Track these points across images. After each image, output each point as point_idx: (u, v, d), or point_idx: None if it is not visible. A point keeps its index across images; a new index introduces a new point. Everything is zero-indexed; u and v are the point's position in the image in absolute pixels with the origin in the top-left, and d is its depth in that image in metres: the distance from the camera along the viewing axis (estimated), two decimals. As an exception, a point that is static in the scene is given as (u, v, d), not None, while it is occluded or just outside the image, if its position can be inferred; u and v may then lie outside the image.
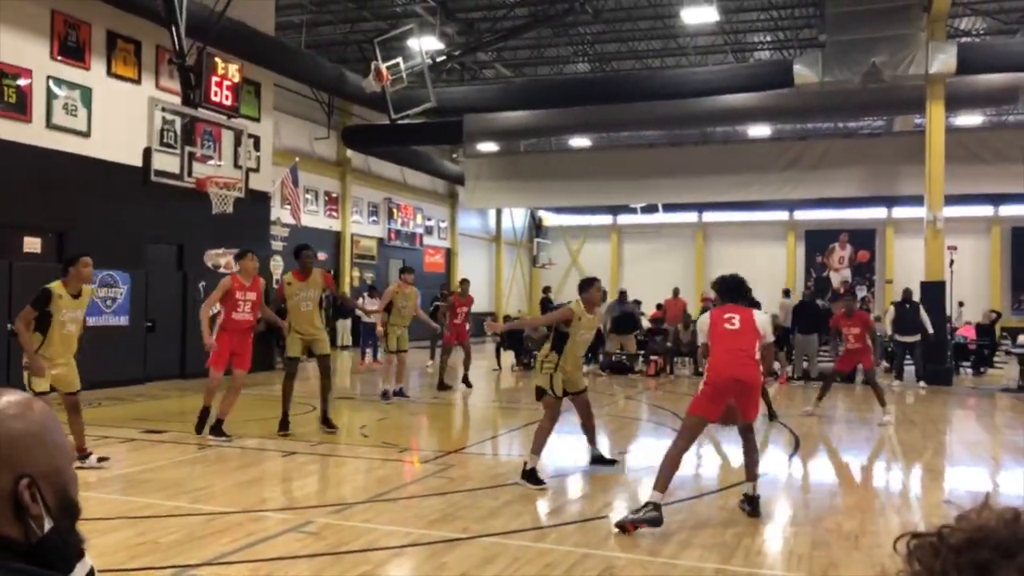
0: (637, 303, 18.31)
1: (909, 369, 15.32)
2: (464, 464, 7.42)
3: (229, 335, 8.31)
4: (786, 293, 19.46)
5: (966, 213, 25.32)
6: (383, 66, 15.07)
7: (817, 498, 6.36)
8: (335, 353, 20.23)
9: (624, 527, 5.11)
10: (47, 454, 1.16)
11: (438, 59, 17.74)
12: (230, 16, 12.51)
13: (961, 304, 20.83)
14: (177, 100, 12.34)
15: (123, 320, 12.95)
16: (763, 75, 17.56)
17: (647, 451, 8.48)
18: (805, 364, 15.69)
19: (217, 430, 8.14)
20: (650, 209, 30.20)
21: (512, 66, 23.17)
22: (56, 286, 6.55)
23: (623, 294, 17.69)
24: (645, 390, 14.36)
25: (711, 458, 8.39)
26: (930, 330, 14.32)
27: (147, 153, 12.02)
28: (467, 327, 14.56)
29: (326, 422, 8.86)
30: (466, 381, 13.55)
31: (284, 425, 8.54)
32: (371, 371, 16.71)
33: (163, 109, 12.23)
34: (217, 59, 11.82)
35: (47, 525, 1.15)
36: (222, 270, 15.10)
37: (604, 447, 7.82)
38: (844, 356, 11.01)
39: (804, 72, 15.99)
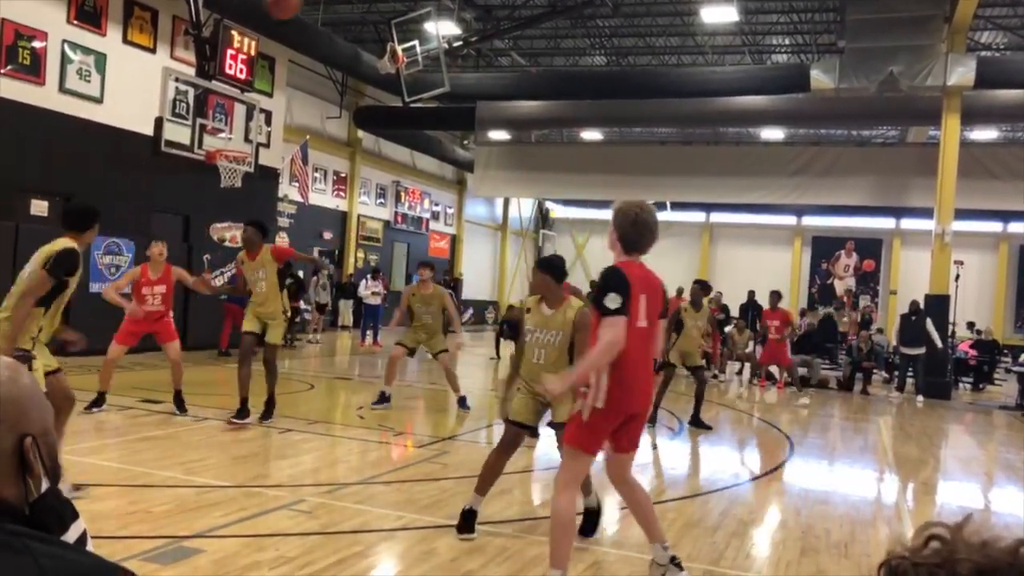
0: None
1: (910, 381, 15.31)
2: (458, 451, 7.43)
3: (138, 322, 7.97)
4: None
5: (975, 228, 25.27)
6: (399, 48, 15.03)
7: (808, 505, 6.36)
8: (337, 334, 20.26)
9: None
10: (40, 415, 1.18)
11: (454, 44, 17.67)
12: (248, -11, 12.47)
13: None
14: (191, 71, 12.33)
15: (126, 288, 12.95)
16: (779, 78, 17.49)
17: (640, 448, 8.49)
18: (805, 371, 15.68)
19: (180, 404, 8.02)
20: (658, 206, 30.05)
21: (528, 55, 23.08)
22: None
23: None
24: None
25: (702, 460, 8.40)
26: (939, 344, 14.31)
27: (158, 123, 12.02)
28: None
29: (267, 410, 8.03)
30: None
31: (240, 413, 7.79)
32: (371, 352, 16.74)
33: (177, 79, 12.22)
34: (233, 32, 11.80)
35: (44, 485, 1.16)
36: (227, 244, 15.13)
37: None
38: (766, 348, 13.72)
39: (821, 77, 15.93)
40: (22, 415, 1.15)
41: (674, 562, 4.21)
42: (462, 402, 9.79)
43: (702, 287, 10.34)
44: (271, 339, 8.06)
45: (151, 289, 8.02)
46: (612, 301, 3.69)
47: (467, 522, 4.87)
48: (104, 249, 12.64)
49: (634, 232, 3.88)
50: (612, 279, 3.76)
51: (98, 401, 7.98)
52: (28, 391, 1.18)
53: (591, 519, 5.05)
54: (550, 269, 4.89)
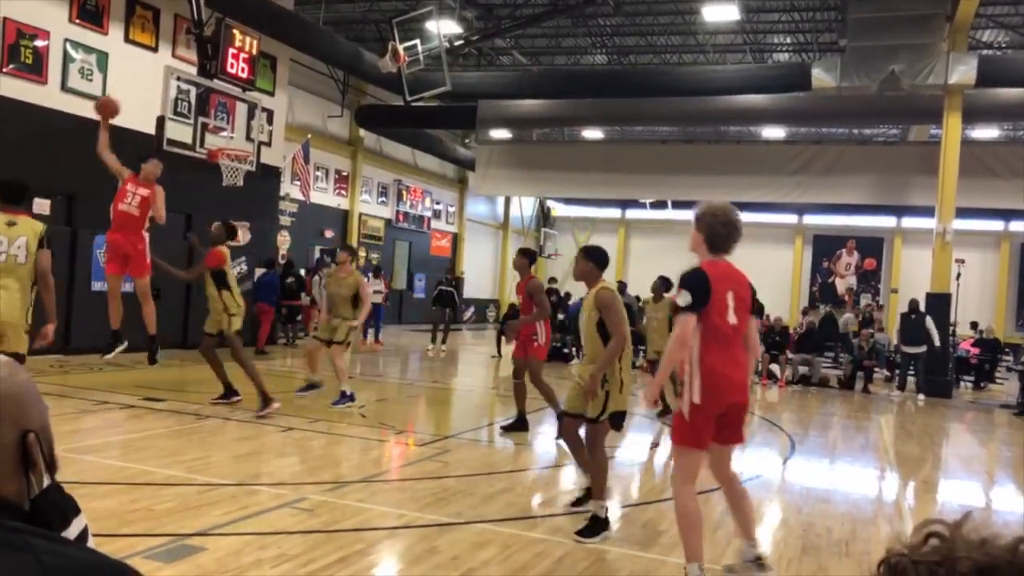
0: (636, 299, 18.25)
1: (911, 380, 15.29)
2: (459, 450, 7.44)
3: (115, 233, 8.15)
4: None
5: (976, 227, 25.23)
6: (400, 47, 15.04)
7: (809, 503, 6.37)
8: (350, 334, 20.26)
9: None
10: (39, 410, 1.18)
11: (455, 43, 17.69)
12: (250, -12, 12.47)
13: None
14: (193, 70, 12.33)
15: (128, 287, 12.97)
16: (781, 77, 17.48)
17: (638, 445, 8.51)
18: (806, 369, 15.68)
19: (153, 353, 8.15)
20: (659, 205, 30.12)
21: (529, 54, 23.09)
22: None
23: (622, 285, 17.66)
24: (643, 386, 14.35)
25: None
26: (936, 342, 14.27)
27: (160, 122, 12.00)
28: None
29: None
30: None
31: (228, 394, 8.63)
32: (372, 351, 16.76)
33: (179, 78, 12.21)
34: (235, 31, 11.80)
35: (45, 481, 1.16)
36: (228, 243, 15.14)
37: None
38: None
39: (822, 76, 15.91)
40: (23, 411, 1.15)
41: (758, 562, 4.28)
42: (342, 396, 9.00)
43: (663, 283, 10.62)
44: (226, 331, 8.38)
45: (135, 188, 8.12)
46: (682, 298, 3.94)
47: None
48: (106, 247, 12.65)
49: (724, 232, 4.16)
50: (689, 278, 4.02)
51: (114, 341, 8.02)
52: (26, 386, 1.18)
53: (597, 527, 4.95)
54: (593, 256, 5.34)
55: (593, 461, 5.15)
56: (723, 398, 3.97)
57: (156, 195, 8.18)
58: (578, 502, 5.43)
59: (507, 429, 8.32)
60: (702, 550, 4.08)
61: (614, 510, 5.56)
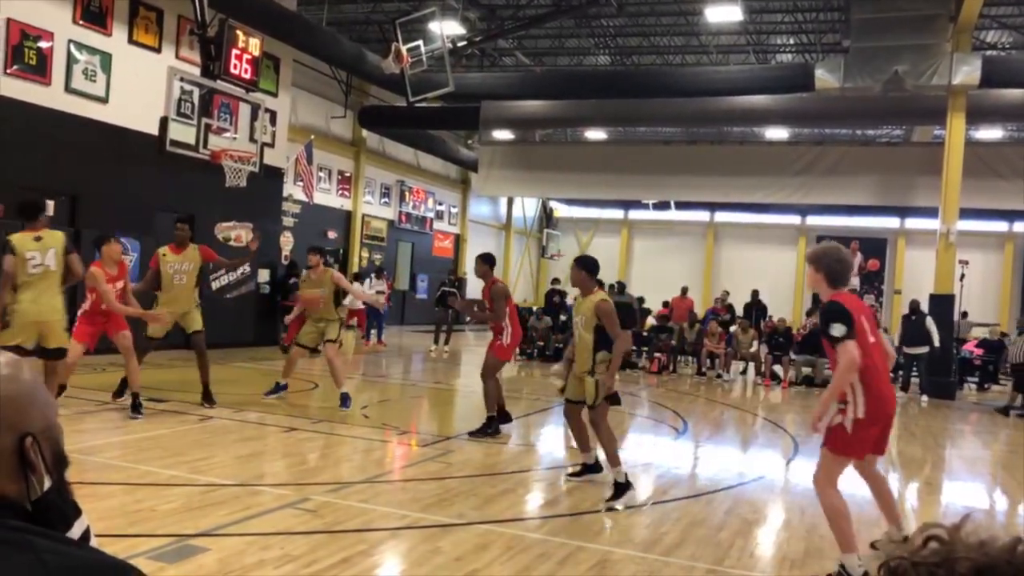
0: (640, 300, 18.22)
1: (914, 381, 15.25)
2: (462, 450, 7.44)
3: (92, 316, 7.77)
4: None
5: (979, 228, 25.19)
6: (403, 48, 15.04)
7: (812, 504, 6.34)
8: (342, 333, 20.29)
9: None
10: (41, 411, 1.17)
11: (459, 44, 17.68)
12: (253, -11, 12.48)
13: None
14: (196, 71, 12.35)
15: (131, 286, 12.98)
16: (784, 78, 17.45)
17: (644, 448, 8.51)
18: (809, 370, 15.65)
19: (136, 407, 7.71)
20: (662, 206, 30.12)
21: (532, 55, 23.08)
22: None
23: (621, 285, 17.66)
24: (647, 386, 14.34)
25: (706, 459, 8.40)
26: (936, 343, 14.24)
27: (163, 122, 12.02)
28: None
29: (206, 397, 8.45)
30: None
31: (125, 396, 8.09)
32: (375, 352, 16.77)
33: (182, 79, 12.23)
34: (238, 32, 11.82)
35: (47, 483, 1.16)
36: (232, 243, 15.14)
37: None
38: None
39: (825, 77, 15.88)
40: (22, 414, 1.14)
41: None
42: (344, 399, 9.04)
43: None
44: (194, 327, 8.50)
45: (112, 285, 7.78)
46: (837, 330, 4.26)
47: (585, 470, 6.36)
48: (109, 248, 12.66)
49: (840, 267, 4.50)
50: (833, 311, 4.35)
51: (135, 406, 7.73)
52: (28, 388, 1.17)
53: (620, 490, 5.86)
54: (585, 266, 6.25)
55: (602, 437, 6.02)
56: (885, 409, 4.43)
57: (122, 275, 7.91)
58: (576, 474, 6.43)
59: (483, 433, 8.19)
60: (855, 540, 4.47)
61: (619, 513, 5.56)
